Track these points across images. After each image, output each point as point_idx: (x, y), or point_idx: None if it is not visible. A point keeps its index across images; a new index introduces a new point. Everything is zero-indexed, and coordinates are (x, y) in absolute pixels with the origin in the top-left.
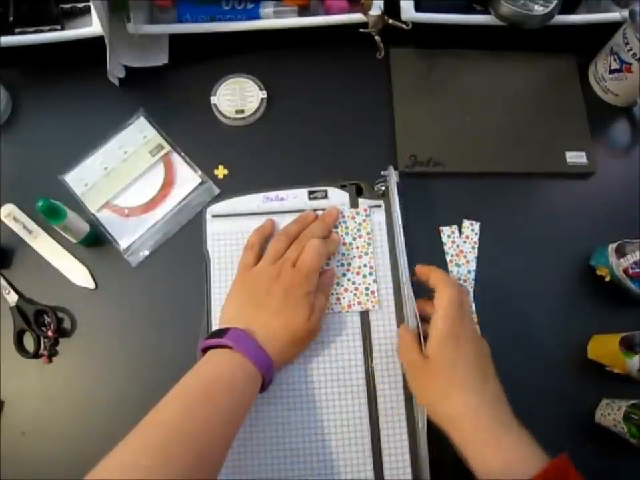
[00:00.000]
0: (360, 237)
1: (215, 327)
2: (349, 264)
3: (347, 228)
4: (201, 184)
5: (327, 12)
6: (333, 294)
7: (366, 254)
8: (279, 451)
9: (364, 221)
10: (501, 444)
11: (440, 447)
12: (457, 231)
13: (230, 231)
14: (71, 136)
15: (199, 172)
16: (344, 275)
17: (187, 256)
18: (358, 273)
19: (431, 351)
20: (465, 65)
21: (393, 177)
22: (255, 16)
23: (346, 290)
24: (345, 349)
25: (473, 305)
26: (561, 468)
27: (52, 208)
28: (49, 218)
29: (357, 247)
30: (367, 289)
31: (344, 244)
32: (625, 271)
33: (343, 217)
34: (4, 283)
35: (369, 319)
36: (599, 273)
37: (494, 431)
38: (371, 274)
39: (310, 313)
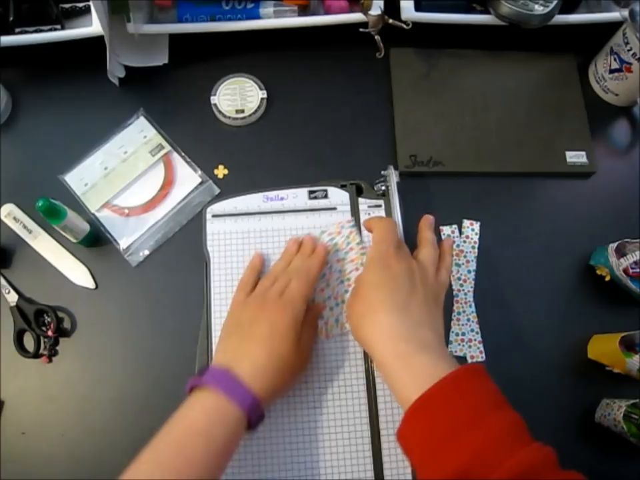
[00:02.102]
0: (351, 249)
1: (214, 326)
2: (348, 279)
3: (335, 245)
4: (200, 184)
5: (327, 12)
6: (335, 309)
7: (362, 264)
8: (279, 451)
9: (350, 232)
10: (414, 365)
11: None
12: (457, 231)
13: (230, 231)
14: (71, 136)
15: (199, 172)
16: (346, 291)
17: (186, 256)
18: None
19: (361, 274)
20: (465, 64)
21: (392, 176)
22: (255, 16)
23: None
24: (344, 348)
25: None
26: (469, 369)
27: (52, 208)
28: (48, 218)
29: (352, 260)
30: None
31: (338, 261)
32: (625, 271)
33: (331, 234)
34: (4, 282)
35: None
36: (598, 272)
37: (407, 353)
38: None
39: (297, 343)
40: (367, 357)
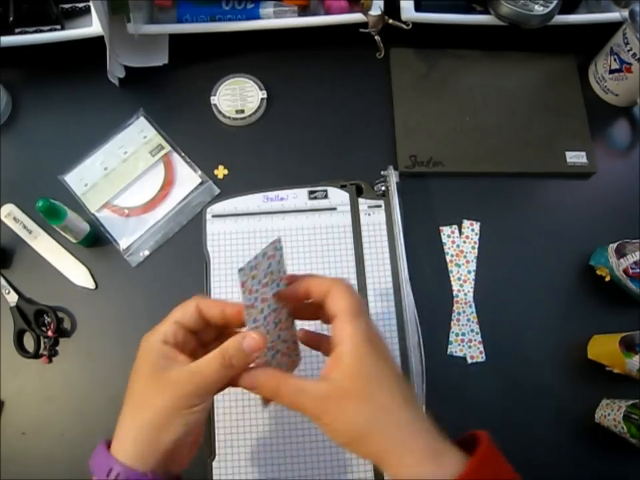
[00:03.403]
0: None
1: None
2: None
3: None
4: (201, 184)
5: (327, 12)
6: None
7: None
8: (279, 451)
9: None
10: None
11: None
12: (457, 231)
13: (230, 231)
14: (71, 136)
15: (199, 172)
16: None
17: (186, 256)
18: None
19: (347, 366)
20: (465, 64)
21: (392, 177)
22: (255, 16)
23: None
24: None
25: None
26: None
27: (52, 208)
28: (48, 218)
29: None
30: None
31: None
32: (625, 271)
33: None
34: (4, 282)
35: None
36: (598, 272)
37: (436, 447)
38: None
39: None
40: None
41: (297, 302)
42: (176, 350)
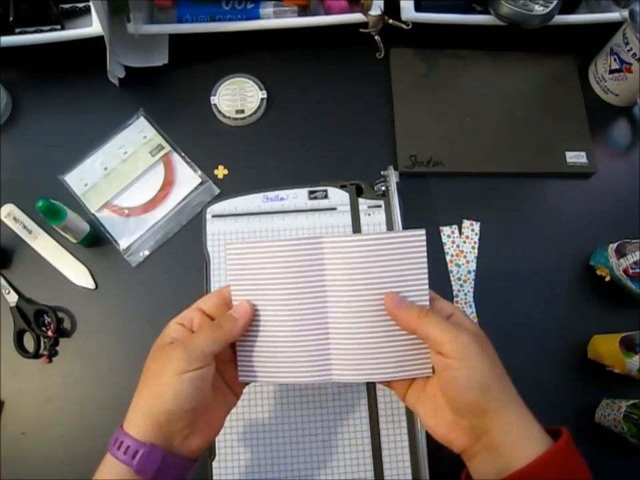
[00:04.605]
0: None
1: None
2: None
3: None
4: (200, 184)
5: (327, 12)
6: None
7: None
8: (279, 451)
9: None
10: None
11: (440, 447)
12: (457, 231)
13: (230, 231)
14: (71, 136)
15: (199, 172)
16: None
17: (187, 256)
18: None
19: (473, 346)
20: (465, 65)
21: (392, 177)
22: (255, 16)
23: None
24: None
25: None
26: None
27: (52, 208)
28: (48, 218)
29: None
30: None
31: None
32: (625, 271)
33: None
34: (4, 282)
35: None
36: (599, 272)
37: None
38: None
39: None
40: None
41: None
42: (188, 331)
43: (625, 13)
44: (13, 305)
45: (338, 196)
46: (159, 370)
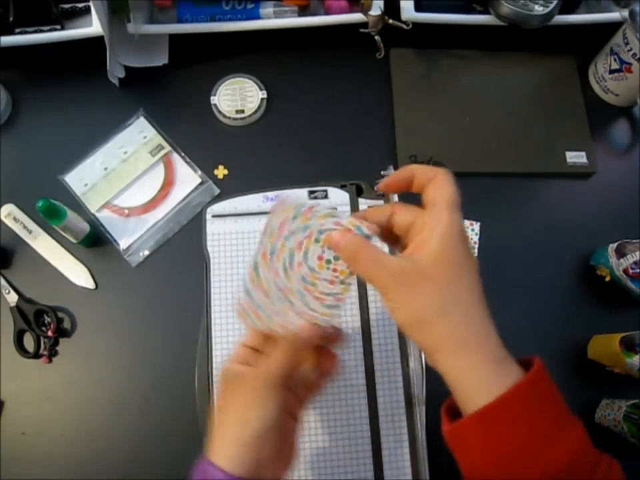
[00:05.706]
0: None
1: (214, 326)
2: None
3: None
4: (201, 184)
5: (327, 12)
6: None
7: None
8: None
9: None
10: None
11: (440, 447)
12: None
13: (230, 231)
14: (71, 136)
15: (199, 172)
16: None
17: (187, 256)
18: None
19: (433, 250)
20: (465, 65)
21: None
22: (255, 16)
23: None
24: (345, 349)
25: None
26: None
27: (52, 208)
28: (48, 218)
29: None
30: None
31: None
32: (625, 271)
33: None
34: (4, 282)
35: (370, 324)
36: (599, 272)
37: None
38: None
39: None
40: (367, 357)
41: (400, 189)
42: (257, 354)
43: (625, 13)
44: (12, 304)
45: (338, 196)
46: (237, 398)
